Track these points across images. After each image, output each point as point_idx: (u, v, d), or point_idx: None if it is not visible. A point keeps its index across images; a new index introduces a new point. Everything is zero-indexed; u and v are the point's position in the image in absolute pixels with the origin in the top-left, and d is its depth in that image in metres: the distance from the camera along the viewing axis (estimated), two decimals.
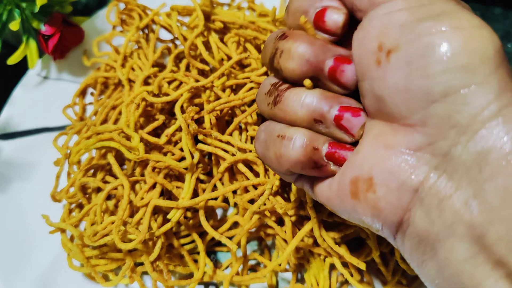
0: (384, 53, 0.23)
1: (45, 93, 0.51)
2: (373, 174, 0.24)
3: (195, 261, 0.41)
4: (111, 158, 0.39)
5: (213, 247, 0.43)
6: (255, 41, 0.45)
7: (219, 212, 0.44)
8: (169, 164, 0.38)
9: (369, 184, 0.24)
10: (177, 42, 0.50)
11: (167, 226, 0.37)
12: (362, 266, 0.35)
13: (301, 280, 0.41)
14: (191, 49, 0.46)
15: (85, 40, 0.54)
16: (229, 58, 0.44)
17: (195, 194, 0.39)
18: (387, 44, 0.23)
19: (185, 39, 0.45)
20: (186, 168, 0.38)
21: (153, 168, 0.39)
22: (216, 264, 0.42)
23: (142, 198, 0.38)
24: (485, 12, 0.60)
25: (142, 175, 0.41)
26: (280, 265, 0.39)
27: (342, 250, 0.35)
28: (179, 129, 0.41)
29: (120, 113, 0.45)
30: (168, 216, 0.37)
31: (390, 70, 0.23)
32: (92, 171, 0.43)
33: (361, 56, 0.25)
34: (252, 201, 0.39)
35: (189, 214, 0.41)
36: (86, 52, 0.53)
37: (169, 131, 0.40)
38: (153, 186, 0.39)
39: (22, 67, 0.53)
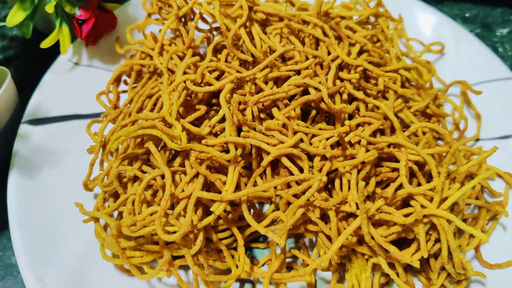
0: None
1: (75, 79, 0.50)
2: None
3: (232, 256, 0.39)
4: (152, 147, 0.38)
5: (249, 244, 0.42)
6: (299, 34, 0.44)
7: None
8: (213, 155, 0.36)
9: None
10: (214, 33, 0.49)
11: (210, 218, 0.36)
12: (416, 264, 0.33)
13: (340, 281, 0.40)
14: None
15: (117, 28, 0.53)
16: (271, 50, 0.43)
17: (236, 187, 0.38)
18: None
19: (227, 29, 0.43)
20: (228, 161, 0.37)
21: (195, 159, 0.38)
22: (253, 260, 0.41)
23: (183, 190, 0.37)
24: None
25: (180, 165, 0.39)
26: (322, 263, 0.37)
27: (393, 248, 0.34)
28: (220, 120, 0.40)
29: (155, 104, 0.43)
30: (212, 209, 0.36)
31: None
32: (126, 161, 0.42)
33: None
34: (295, 197, 0.38)
35: (228, 208, 0.40)
36: (119, 39, 0.52)
37: (212, 121, 0.39)
38: (193, 178, 0.38)
39: (52, 52, 0.52)
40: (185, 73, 0.43)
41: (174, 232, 0.36)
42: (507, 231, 0.43)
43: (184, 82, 0.40)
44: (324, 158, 0.39)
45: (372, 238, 0.36)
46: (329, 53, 0.43)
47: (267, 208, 0.43)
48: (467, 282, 0.39)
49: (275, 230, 0.39)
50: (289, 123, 0.39)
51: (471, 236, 0.42)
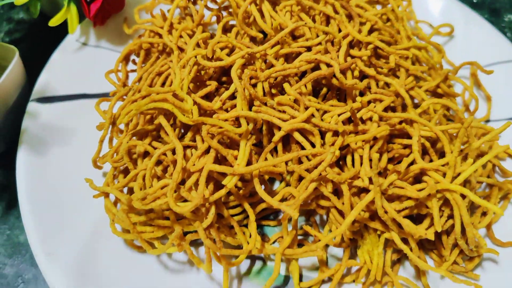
0: None
1: (83, 59, 0.49)
2: None
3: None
4: (163, 120, 0.37)
5: (259, 221, 0.41)
6: (309, 12, 0.44)
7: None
8: (225, 128, 0.36)
9: None
10: (223, 13, 0.48)
11: (222, 192, 0.36)
12: (431, 236, 0.33)
13: (351, 257, 0.40)
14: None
15: (125, 8, 0.53)
16: (282, 27, 0.43)
17: (247, 164, 0.38)
18: None
19: (237, 6, 0.43)
20: (240, 135, 0.37)
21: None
22: (263, 238, 0.41)
23: (194, 164, 0.37)
24: None
25: (191, 141, 0.39)
26: (334, 239, 0.37)
27: (407, 221, 0.34)
28: (230, 97, 0.39)
29: (164, 82, 0.43)
30: (224, 182, 0.35)
31: None
32: (134, 138, 0.42)
33: None
34: (307, 171, 0.37)
35: (239, 184, 0.40)
36: (127, 20, 0.51)
37: (223, 96, 0.38)
38: (205, 153, 0.38)
39: (58, 35, 0.51)
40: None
41: None
42: None
43: (195, 57, 0.40)
44: (335, 134, 0.38)
45: (385, 212, 0.35)
46: (339, 31, 0.43)
47: (277, 186, 0.43)
48: (479, 259, 0.39)
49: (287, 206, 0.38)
50: (301, 98, 0.38)
51: (483, 214, 0.41)
